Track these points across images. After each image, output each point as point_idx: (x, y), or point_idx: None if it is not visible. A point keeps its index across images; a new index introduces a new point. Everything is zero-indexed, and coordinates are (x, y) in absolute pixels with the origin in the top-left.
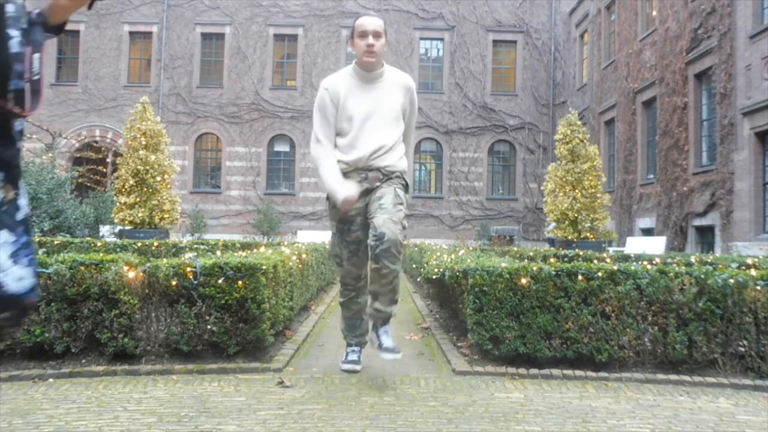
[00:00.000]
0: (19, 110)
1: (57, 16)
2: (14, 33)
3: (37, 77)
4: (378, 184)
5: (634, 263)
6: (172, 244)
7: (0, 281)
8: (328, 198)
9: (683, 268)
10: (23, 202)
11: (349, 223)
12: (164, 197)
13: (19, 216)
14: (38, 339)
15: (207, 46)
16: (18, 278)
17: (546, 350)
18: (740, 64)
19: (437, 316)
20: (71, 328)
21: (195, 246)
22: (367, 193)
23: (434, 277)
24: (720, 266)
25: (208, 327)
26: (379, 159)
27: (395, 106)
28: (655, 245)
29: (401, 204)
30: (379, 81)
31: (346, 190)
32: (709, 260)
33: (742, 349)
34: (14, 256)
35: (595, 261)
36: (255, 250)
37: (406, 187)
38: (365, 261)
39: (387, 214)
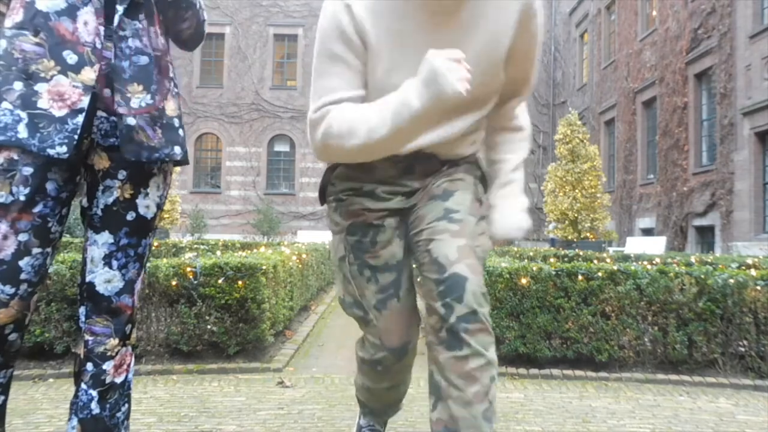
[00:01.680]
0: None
1: None
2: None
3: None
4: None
5: (634, 263)
6: (172, 244)
7: (91, 281)
8: (323, 194)
9: (683, 268)
10: (144, 202)
11: (374, 230)
12: None
13: (129, 217)
14: (38, 339)
15: (207, 46)
16: (106, 280)
17: (546, 350)
18: (740, 64)
19: None
20: (71, 328)
21: (195, 246)
22: (409, 194)
23: None
24: (720, 266)
25: (208, 327)
26: (442, 145)
27: (498, 56)
28: (655, 245)
29: (482, 215)
30: (465, 7)
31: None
32: (709, 260)
33: (742, 349)
34: (107, 258)
35: (595, 261)
36: (255, 250)
37: (483, 180)
38: (413, 308)
39: (464, 239)
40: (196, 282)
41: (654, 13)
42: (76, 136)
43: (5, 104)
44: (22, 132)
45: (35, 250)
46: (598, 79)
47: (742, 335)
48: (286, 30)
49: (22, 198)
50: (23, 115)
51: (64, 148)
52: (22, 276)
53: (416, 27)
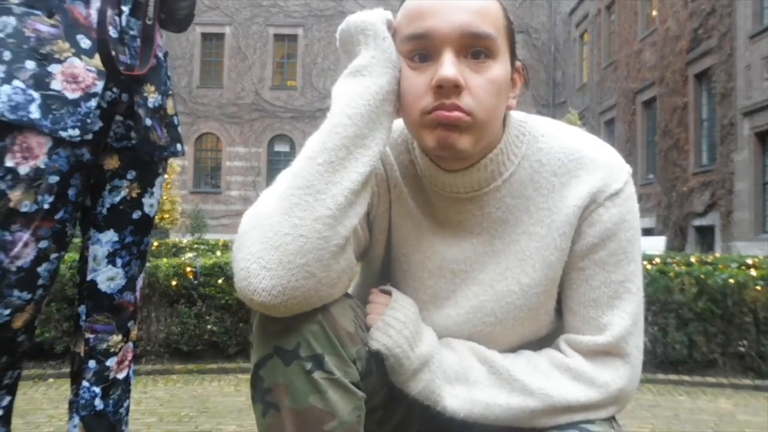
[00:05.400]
0: (124, 68)
1: None
2: None
3: (150, 22)
4: None
5: None
6: (172, 244)
7: (93, 279)
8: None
9: (683, 268)
10: (148, 201)
11: None
12: (164, 197)
13: (135, 216)
14: (38, 339)
15: (207, 46)
16: (108, 278)
17: None
18: (740, 64)
19: None
20: (71, 328)
21: (195, 246)
22: None
23: None
24: (720, 266)
25: (208, 327)
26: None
27: (542, 266)
28: (655, 245)
29: None
30: (493, 195)
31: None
32: (709, 260)
33: (742, 349)
34: (111, 256)
35: None
36: None
37: None
38: None
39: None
40: (196, 282)
41: (654, 13)
42: (89, 120)
43: (17, 82)
44: (35, 112)
45: (53, 256)
46: (598, 79)
47: (742, 335)
48: (286, 30)
49: (46, 206)
50: (36, 95)
51: (77, 131)
52: (39, 281)
53: (420, 215)
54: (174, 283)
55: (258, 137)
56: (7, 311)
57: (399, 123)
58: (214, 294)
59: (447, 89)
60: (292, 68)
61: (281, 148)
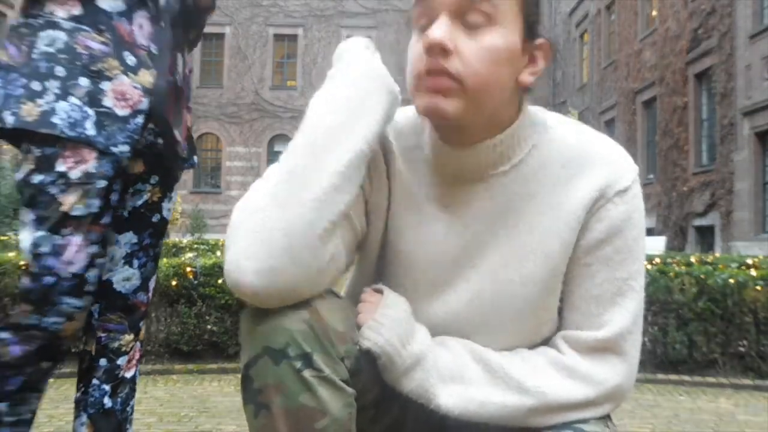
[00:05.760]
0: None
1: None
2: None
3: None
4: None
5: None
6: (172, 244)
7: (108, 279)
8: None
9: (683, 268)
10: (167, 205)
11: None
12: None
13: (155, 219)
14: None
15: (207, 46)
16: (124, 278)
17: None
18: (740, 64)
19: None
20: None
21: (195, 246)
22: None
23: None
24: (720, 266)
25: (208, 327)
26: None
27: (548, 262)
28: (655, 245)
29: None
30: (500, 180)
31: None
32: (709, 260)
33: (742, 349)
34: (129, 257)
35: None
36: None
37: None
38: None
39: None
40: (196, 282)
41: (654, 13)
42: (136, 137)
43: (73, 99)
44: (90, 129)
45: (99, 261)
46: (598, 79)
47: (742, 335)
48: (286, 30)
49: (94, 210)
50: (90, 112)
51: (127, 147)
52: (88, 288)
53: (428, 200)
54: (174, 283)
55: (258, 137)
56: (61, 319)
57: (403, 111)
58: (214, 294)
59: (434, 52)
60: (292, 68)
61: (281, 148)
